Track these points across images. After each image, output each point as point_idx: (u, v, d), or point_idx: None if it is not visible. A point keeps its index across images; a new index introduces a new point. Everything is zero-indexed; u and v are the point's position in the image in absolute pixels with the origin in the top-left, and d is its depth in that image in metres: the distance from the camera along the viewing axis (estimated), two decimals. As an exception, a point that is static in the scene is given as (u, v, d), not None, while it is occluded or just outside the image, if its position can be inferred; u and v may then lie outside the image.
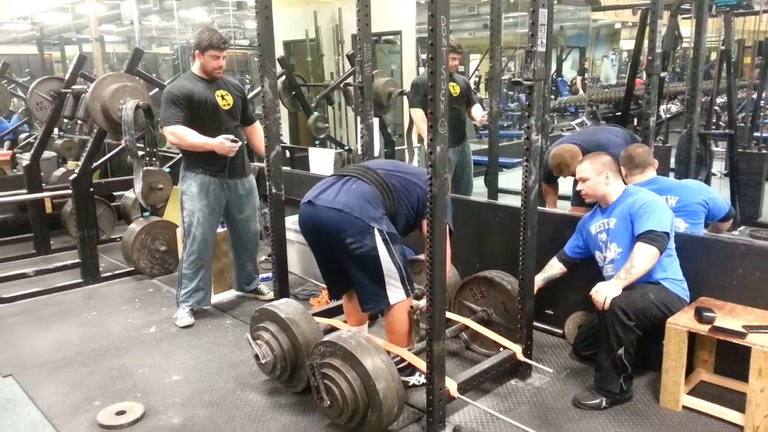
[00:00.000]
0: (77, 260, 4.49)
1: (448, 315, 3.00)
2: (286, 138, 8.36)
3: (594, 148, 3.80)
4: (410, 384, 2.84)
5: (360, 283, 2.71)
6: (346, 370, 2.39)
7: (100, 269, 4.55)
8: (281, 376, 2.80)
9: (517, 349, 2.89)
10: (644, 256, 2.67)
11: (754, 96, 7.06)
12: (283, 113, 8.06)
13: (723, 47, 5.46)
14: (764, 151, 5.78)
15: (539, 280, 3.07)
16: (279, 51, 8.02)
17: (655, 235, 2.68)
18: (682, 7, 5.48)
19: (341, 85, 6.61)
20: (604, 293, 2.66)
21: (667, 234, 2.71)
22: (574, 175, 3.69)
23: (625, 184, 3.08)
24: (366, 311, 2.86)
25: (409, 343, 2.86)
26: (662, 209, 2.79)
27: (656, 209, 2.76)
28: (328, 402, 2.43)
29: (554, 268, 3.17)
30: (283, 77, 6.86)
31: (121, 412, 2.73)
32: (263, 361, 2.75)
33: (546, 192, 4.29)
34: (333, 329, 2.97)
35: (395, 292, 2.70)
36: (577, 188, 3.08)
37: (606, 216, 2.94)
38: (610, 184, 2.94)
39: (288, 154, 6.88)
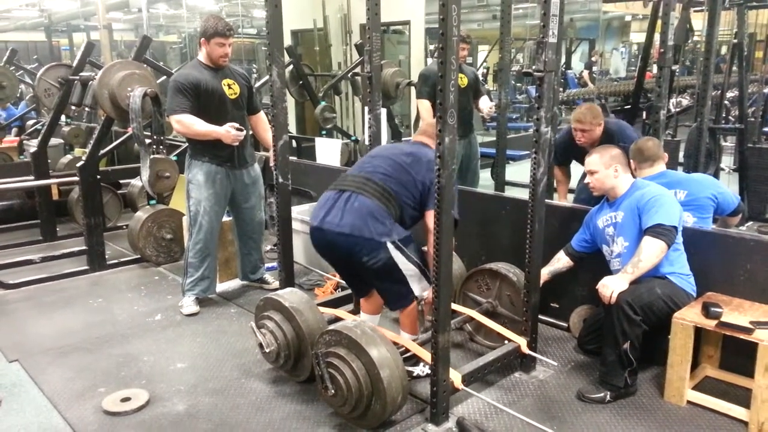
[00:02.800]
0: (83, 247, 4.51)
1: (453, 306, 3.00)
2: (292, 128, 8.33)
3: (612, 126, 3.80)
4: (414, 375, 2.85)
5: (384, 289, 2.80)
6: (350, 358, 2.39)
7: (106, 256, 4.57)
8: (285, 365, 2.80)
9: (522, 342, 2.88)
10: (652, 250, 2.65)
11: (766, 90, 7.00)
12: (290, 103, 8.03)
13: (735, 40, 5.41)
14: (774, 146, 5.74)
15: (545, 273, 3.06)
16: (287, 40, 7.96)
17: (663, 229, 2.66)
18: (694, -1, 5.43)
19: (349, 75, 6.59)
20: (611, 287, 2.65)
21: (675, 228, 2.70)
22: (585, 131, 3.71)
23: (634, 177, 3.06)
24: (395, 309, 2.92)
25: (414, 334, 2.87)
26: (671, 203, 2.77)
27: (665, 203, 2.74)
28: (333, 391, 2.43)
29: (561, 261, 3.16)
30: (291, 66, 6.84)
31: (126, 399, 2.74)
32: (267, 350, 2.75)
33: (558, 181, 4.23)
34: (337, 319, 2.97)
35: (419, 286, 2.75)
36: (585, 180, 3.06)
37: (614, 209, 2.93)
38: (619, 178, 2.92)
39: (294, 143, 6.86)
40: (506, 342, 2.92)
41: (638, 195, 2.82)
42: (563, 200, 4.23)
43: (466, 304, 3.25)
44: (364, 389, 2.37)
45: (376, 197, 2.64)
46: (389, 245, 2.62)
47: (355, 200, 2.64)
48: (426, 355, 2.58)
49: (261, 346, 2.77)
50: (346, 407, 2.45)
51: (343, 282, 3.83)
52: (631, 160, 3.18)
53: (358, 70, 6.24)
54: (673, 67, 3.93)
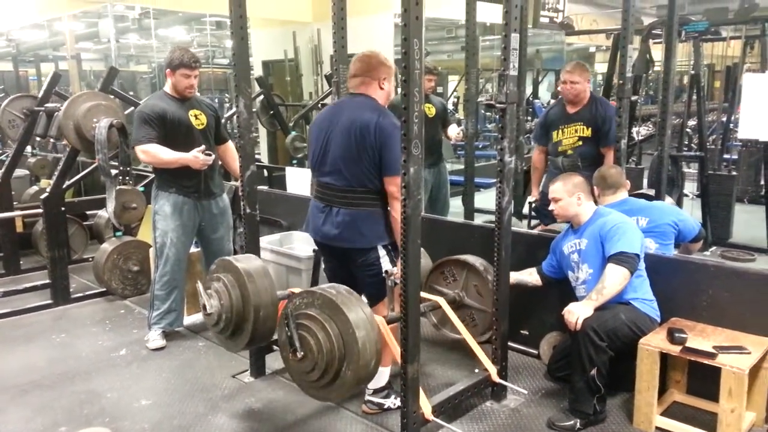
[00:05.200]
0: (47, 281, 4.39)
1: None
2: (264, 157, 8.33)
3: None
4: (385, 407, 2.83)
5: (367, 284, 2.80)
6: (324, 318, 2.28)
7: (71, 290, 4.46)
8: (225, 330, 2.65)
9: (493, 370, 2.88)
10: (615, 277, 2.70)
11: (724, 119, 7.25)
12: (262, 132, 8.04)
13: (693, 71, 5.60)
14: (734, 173, 5.92)
15: (511, 278, 3.04)
16: (258, 70, 8.03)
17: (625, 257, 2.72)
18: (653, 32, 5.61)
19: (319, 105, 6.63)
20: (575, 313, 2.68)
21: (638, 255, 2.75)
22: (574, 83, 3.89)
23: (596, 204, 3.12)
24: (372, 306, 2.85)
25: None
26: (632, 230, 2.82)
27: (626, 230, 2.80)
28: (302, 353, 2.31)
29: (531, 276, 3.19)
30: (262, 96, 6.86)
31: (87, 438, 2.66)
32: (209, 312, 2.62)
33: (534, 168, 4.37)
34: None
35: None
36: (549, 207, 3.10)
37: (577, 237, 2.97)
38: (582, 205, 2.97)
39: (266, 173, 6.85)
40: (477, 370, 2.92)
41: (600, 223, 2.88)
42: (535, 189, 4.35)
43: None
44: (336, 350, 2.25)
45: (361, 205, 2.67)
46: (380, 248, 2.71)
47: (346, 215, 2.68)
48: (393, 341, 2.56)
49: (204, 307, 2.65)
50: (315, 372, 2.31)
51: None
52: (595, 187, 3.25)
53: (327, 100, 6.30)
54: (633, 98, 4.04)
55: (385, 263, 2.71)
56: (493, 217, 2.89)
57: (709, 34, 5.87)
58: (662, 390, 2.79)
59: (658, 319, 2.83)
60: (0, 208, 4.86)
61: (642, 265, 2.83)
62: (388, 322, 2.62)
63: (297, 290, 2.98)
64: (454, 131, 4.86)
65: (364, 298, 2.95)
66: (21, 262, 5.16)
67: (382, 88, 2.73)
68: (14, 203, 5.16)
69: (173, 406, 2.97)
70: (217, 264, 2.78)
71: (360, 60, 2.75)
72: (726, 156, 7.24)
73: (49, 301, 4.35)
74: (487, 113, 11.98)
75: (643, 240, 2.84)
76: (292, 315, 2.37)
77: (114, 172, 4.02)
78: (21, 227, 5.21)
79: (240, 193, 3.09)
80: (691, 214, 5.17)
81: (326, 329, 2.28)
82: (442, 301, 3.07)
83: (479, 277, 3.14)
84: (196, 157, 3.46)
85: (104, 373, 3.34)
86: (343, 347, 2.26)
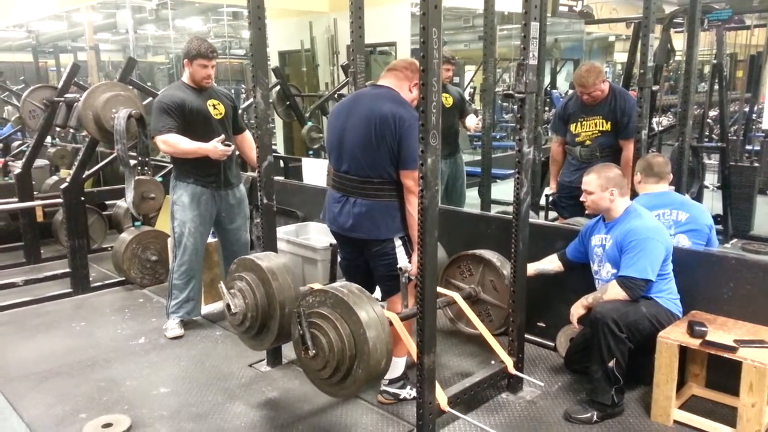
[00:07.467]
0: (67, 270, 4.45)
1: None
2: (280, 148, 8.35)
3: None
4: (401, 397, 2.83)
5: (381, 276, 2.83)
6: (335, 317, 2.29)
7: (91, 279, 4.52)
8: (250, 329, 2.67)
9: (509, 362, 2.87)
10: (615, 295, 2.73)
11: (746, 109, 7.12)
12: (278, 123, 8.05)
13: (715, 61, 5.50)
14: (756, 165, 5.82)
15: (531, 269, 3.05)
16: (274, 61, 8.03)
17: (631, 283, 2.71)
18: (674, 20, 5.51)
19: (335, 96, 6.62)
20: (573, 311, 2.84)
21: (646, 280, 2.71)
22: (589, 93, 3.86)
23: (637, 191, 3.12)
24: (385, 298, 2.93)
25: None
26: (651, 250, 2.72)
27: (644, 248, 2.71)
28: (313, 351, 2.32)
29: (552, 263, 3.17)
30: (278, 87, 6.86)
31: (107, 425, 2.69)
32: (234, 311, 2.63)
33: (553, 159, 4.35)
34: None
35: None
36: (581, 199, 3.05)
37: (606, 232, 2.92)
38: (615, 201, 2.89)
39: (282, 164, 6.87)
40: (493, 362, 2.91)
41: (627, 228, 2.80)
42: (553, 181, 4.33)
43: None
44: (347, 350, 2.26)
45: (379, 196, 2.68)
46: (396, 239, 2.71)
47: (362, 205, 2.69)
48: (407, 337, 2.58)
49: (228, 307, 2.66)
50: (326, 370, 2.33)
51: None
52: (638, 173, 3.22)
53: (344, 90, 6.28)
54: (654, 88, 3.98)
55: (401, 255, 2.72)
56: (509, 208, 2.87)
57: (732, 23, 5.75)
58: (681, 383, 2.76)
59: (680, 315, 2.80)
60: (21, 198, 4.93)
61: (669, 267, 2.80)
62: (402, 319, 2.63)
63: (317, 286, 3.02)
64: (472, 122, 4.83)
65: (378, 292, 2.97)
66: (41, 251, 5.24)
67: (411, 91, 2.74)
68: (35, 193, 5.22)
69: (191, 394, 3.01)
70: (237, 263, 2.80)
71: (404, 60, 2.85)
72: (748, 147, 7.12)
73: (69, 290, 4.41)
74: (504, 103, 11.90)
75: (665, 253, 2.76)
76: (305, 313, 2.38)
77: (133, 162, 4.05)
78: (41, 217, 5.27)
79: (257, 184, 3.10)
80: (711, 206, 5.11)
81: (338, 328, 2.29)
82: (457, 297, 3.05)
83: (495, 273, 3.12)
84: (216, 147, 3.47)
85: (123, 361, 3.38)
86: (354, 347, 2.28)
